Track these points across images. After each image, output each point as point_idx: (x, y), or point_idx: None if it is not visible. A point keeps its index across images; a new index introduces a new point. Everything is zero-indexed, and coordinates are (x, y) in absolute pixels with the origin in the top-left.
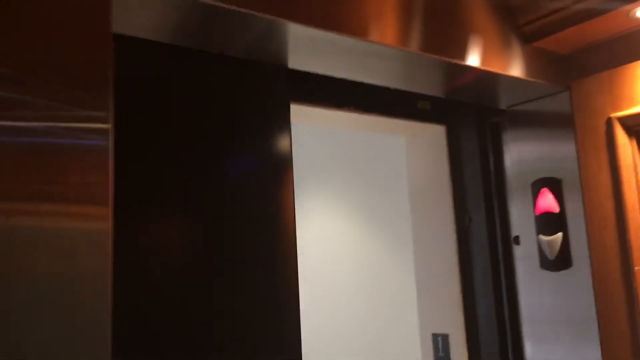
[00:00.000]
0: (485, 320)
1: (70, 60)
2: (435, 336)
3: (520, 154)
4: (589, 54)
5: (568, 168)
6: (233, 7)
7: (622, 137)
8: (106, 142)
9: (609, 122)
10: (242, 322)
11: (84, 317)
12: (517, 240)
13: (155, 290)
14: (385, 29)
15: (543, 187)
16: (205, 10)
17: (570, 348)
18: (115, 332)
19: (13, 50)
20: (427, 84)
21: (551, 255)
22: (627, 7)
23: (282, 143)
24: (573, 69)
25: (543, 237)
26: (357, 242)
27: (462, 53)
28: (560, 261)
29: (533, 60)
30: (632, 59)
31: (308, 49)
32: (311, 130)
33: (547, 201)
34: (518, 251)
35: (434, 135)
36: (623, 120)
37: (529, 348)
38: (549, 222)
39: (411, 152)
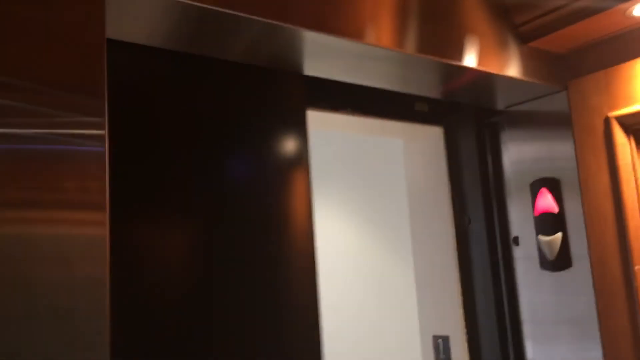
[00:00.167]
0: (486, 321)
1: (65, 66)
2: (435, 338)
3: (519, 154)
4: (585, 54)
5: (566, 168)
6: (227, 10)
7: (620, 136)
8: (102, 147)
9: (607, 122)
10: (248, 330)
11: (82, 323)
12: (516, 240)
13: (153, 297)
14: (381, 31)
15: (542, 188)
16: (198, 14)
17: (571, 348)
18: (113, 338)
19: (7, 57)
20: (424, 86)
21: (551, 255)
22: (623, 5)
23: (298, 147)
24: (570, 69)
25: (542, 238)
26: (356, 244)
27: (459, 54)
28: (560, 261)
29: (530, 61)
30: (628, 57)
31: (306, 51)
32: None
33: (546, 201)
34: (517, 252)
35: (431, 136)
36: (621, 120)
37: (530, 348)
38: (548, 223)
39: (409, 153)
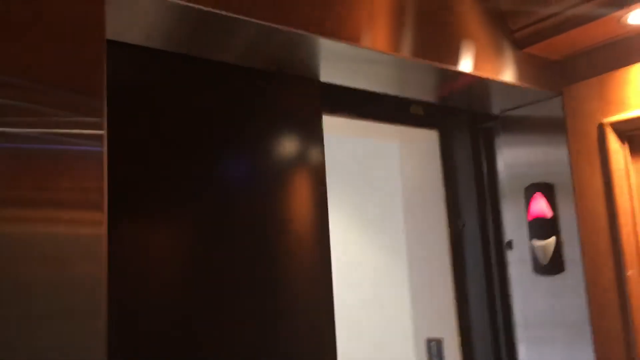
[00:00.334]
0: (479, 325)
1: (64, 66)
2: (429, 341)
3: (513, 159)
4: (580, 60)
5: (561, 173)
6: (225, 13)
7: (614, 143)
8: (100, 147)
9: (601, 128)
10: (258, 337)
11: (79, 323)
12: (510, 244)
13: (152, 298)
14: (377, 35)
15: (536, 192)
16: (195, 15)
17: (564, 351)
18: (110, 340)
19: (7, 56)
20: (420, 90)
21: (544, 259)
22: (618, 13)
23: (314, 150)
24: (564, 75)
25: (536, 242)
26: (350, 247)
27: (455, 59)
28: (553, 266)
29: (525, 66)
30: (622, 64)
31: (303, 54)
32: None
33: (540, 206)
34: (511, 256)
35: (427, 140)
36: (615, 126)
37: (522, 352)
38: (542, 227)
39: (404, 157)
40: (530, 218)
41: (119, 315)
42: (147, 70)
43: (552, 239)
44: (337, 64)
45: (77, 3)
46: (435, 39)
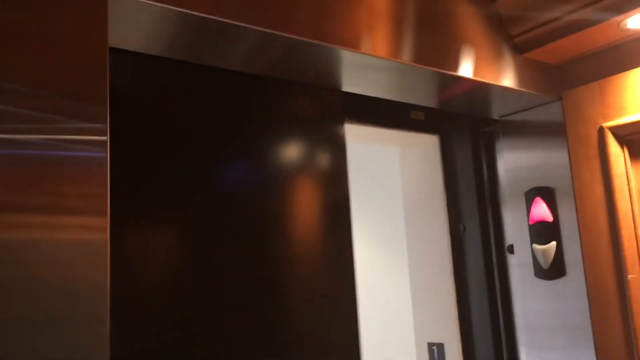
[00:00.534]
0: (481, 329)
1: (67, 73)
2: (430, 345)
3: (514, 163)
4: (579, 65)
5: (561, 177)
6: (225, 20)
7: (614, 147)
8: (103, 153)
9: (601, 132)
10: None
11: (82, 329)
12: (511, 249)
13: (156, 303)
14: (377, 41)
15: (536, 196)
16: (195, 23)
17: (565, 356)
18: (113, 345)
19: (10, 63)
20: (420, 95)
21: (545, 264)
22: (617, 18)
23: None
24: (564, 79)
25: (537, 246)
26: None
27: (455, 64)
28: (554, 270)
29: (525, 71)
30: (622, 69)
31: (303, 60)
32: None
33: (541, 210)
34: (512, 260)
35: (427, 145)
36: (615, 130)
37: (524, 356)
38: (543, 231)
39: (405, 161)
40: (531, 222)
41: (121, 320)
42: (149, 76)
43: (553, 243)
44: (338, 70)
45: (80, 12)
46: (436, 44)
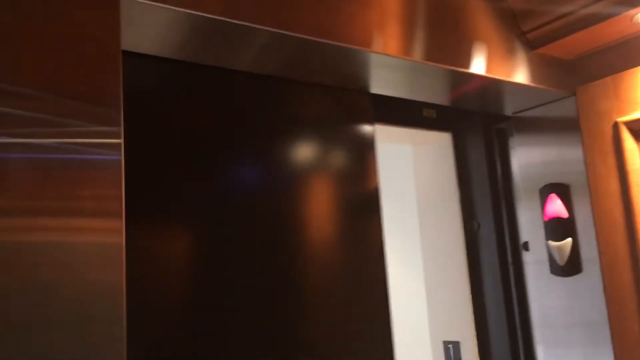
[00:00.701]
0: (496, 327)
1: (82, 77)
2: (446, 343)
3: (527, 159)
4: (593, 60)
5: (576, 173)
6: (234, 21)
7: (629, 142)
8: (118, 156)
9: (616, 127)
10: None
11: (99, 330)
12: (526, 246)
13: (172, 304)
14: (389, 39)
15: (551, 193)
16: (205, 25)
17: (582, 353)
18: (129, 347)
19: (27, 68)
20: (432, 93)
21: (561, 260)
22: (631, 12)
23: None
24: (577, 75)
25: (552, 243)
26: None
27: (467, 61)
28: (570, 266)
29: (537, 67)
30: (636, 63)
31: (316, 59)
32: None
33: (556, 207)
34: (528, 257)
35: (440, 142)
36: (630, 125)
37: (541, 353)
38: (558, 228)
39: (418, 159)
40: (546, 219)
41: (137, 321)
42: (162, 79)
43: (569, 240)
44: (349, 69)
45: (93, 16)
46: (448, 41)
